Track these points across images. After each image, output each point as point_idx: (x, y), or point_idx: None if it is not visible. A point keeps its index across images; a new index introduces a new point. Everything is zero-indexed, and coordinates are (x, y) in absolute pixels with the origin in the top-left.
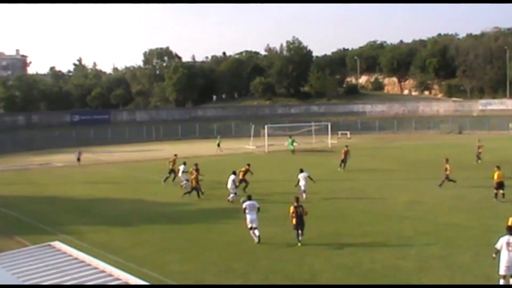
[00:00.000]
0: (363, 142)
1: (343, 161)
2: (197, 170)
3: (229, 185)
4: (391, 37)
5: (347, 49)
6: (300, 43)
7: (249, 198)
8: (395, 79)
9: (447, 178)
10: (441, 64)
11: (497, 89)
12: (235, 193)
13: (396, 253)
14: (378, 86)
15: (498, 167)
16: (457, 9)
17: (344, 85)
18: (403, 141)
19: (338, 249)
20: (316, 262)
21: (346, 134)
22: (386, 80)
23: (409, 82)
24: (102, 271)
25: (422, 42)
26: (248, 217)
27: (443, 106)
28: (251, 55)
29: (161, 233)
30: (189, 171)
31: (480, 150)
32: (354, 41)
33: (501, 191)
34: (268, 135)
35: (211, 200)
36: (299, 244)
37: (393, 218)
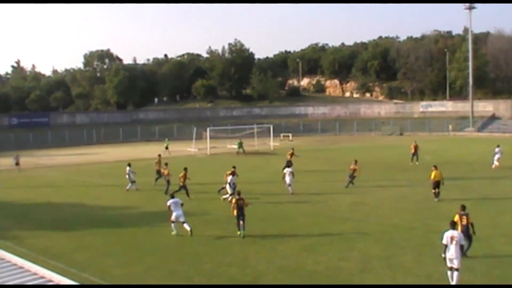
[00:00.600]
0: (306, 144)
1: (290, 162)
2: (185, 169)
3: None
4: (333, 40)
5: (289, 52)
6: (242, 45)
7: (172, 196)
8: (336, 82)
9: (352, 178)
10: (382, 67)
11: (437, 91)
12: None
13: (339, 254)
14: (320, 89)
15: (435, 167)
16: (398, 12)
17: (286, 88)
18: (345, 143)
19: (281, 251)
20: (259, 264)
21: (289, 136)
22: (328, 83)
23: (351, 84)
24: (42, 277)
25: (363, 45)
26: (174, 213)
27: (385, 108)
28: (193, 58)
29: (103, 237)
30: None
31: (412, 151)
32: (296, 43)
33: (436, 190)
34: (210, 138)
35: (154, 203)
36: (238, 233)
37: (336, 220)
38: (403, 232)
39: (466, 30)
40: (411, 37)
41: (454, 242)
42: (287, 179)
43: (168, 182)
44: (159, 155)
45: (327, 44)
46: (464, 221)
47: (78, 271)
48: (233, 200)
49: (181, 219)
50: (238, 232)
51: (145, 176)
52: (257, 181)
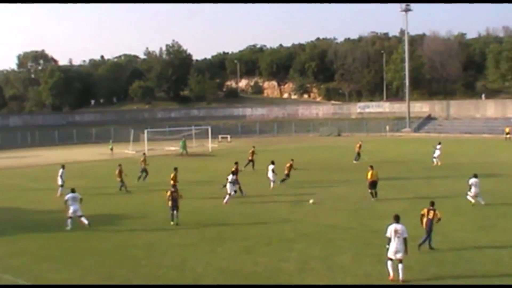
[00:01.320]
0: (244, 146)
1: (251, 161)
2: (175, 169)
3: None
4: (271, 41)
5: (227, 53)
6: (180, 46)
7: (73, 191)
8: (274, 83)
9: (287, 175)
10: (320, 68)
11: (374, 92)
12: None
13: (278, 255)
14: (258, 90)
15: (371, 167)
16: (335, 14)
17: (224, 89)
18: (283, 144)
19: (220, 253)
20: (198, 266)
21: (227, 138)
22: (266, 84)
23: (289, 86)
24: None
25: (301, 46)
26: (72, 208)
27: (322, 109)
28: (130, 59)
29: (38, 241)
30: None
31: (358, 150)
32: (234, 45)
33: (373, 190)
34: (148, 140)
35: (89, 206)
36: (171, 223)
37: (274, 221)
38: (342, 232)
39: (402, 32)
40: (349, 38)
41: (397, 235)
42: (270, 175)
43: (145, 171)
44: (144, 154)
45: (265, 46)
46: (431, 215)
47: (13, 277)
48: (168, 193)
49: (78, 213)
50: (172, 223)
51: (79, 179)
52: (195, 183)
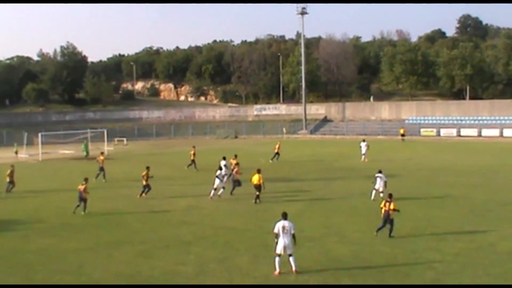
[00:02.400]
0: (141, 149)
1: (193, 161)
2: (147, 168)
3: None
4: (167, 43)
5: (123, 55)
6: (74, 48)
7: None
8: (171, 85)
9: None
10: (217, 70)
11: (271, 95)
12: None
13: (175, 258)
14: (155, 92)
15: (259, 171)
16: (232, 16)
17: (120, 91)
18: (180, 146)
19: (117, 258)
20: (95, 272)
21: (123, 141)
22: (162, 86)
23: (185, 88)
24: None
25: (198, 49)
26: None
27: (219, 112)
28: (23, 60)
29: None
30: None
31: (277, 150)
32: (130, 47)
33: (258, 193)
34: (42, 143)
35: None
36: (82, 212)
37: (171, 224)
38: (239, 234)
39: (298, 34)
40: (246, 41)
41: (285, 231)
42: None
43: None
44: (102, 153)
45: (161, 48)
46: (387, 207)
47: None
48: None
49: None
50: (83, 212)
51: None
52: (90, 187)
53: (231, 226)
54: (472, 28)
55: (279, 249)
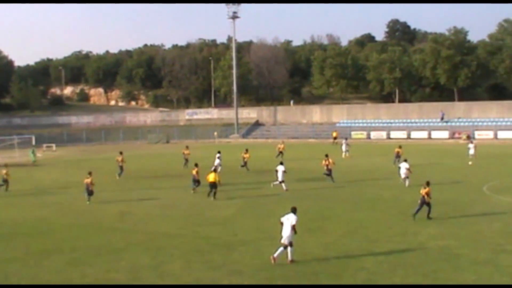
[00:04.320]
0: (70, 154)
1: (186, 161)
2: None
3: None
4: (97, 48)
5: (51, 59)
6: (0, 52)
7: None
8: (101, 90)
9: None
10: (147, 75)
11: (202, 99)
12: None
13: (108, 265)
14: (84, 97)
15: (215, 170)
16: (162, 20)
17: (49, 96)
18: (111, 152)
19: (46, 266)
20: (23, 281)
21: (52, 146)
22: (92, 91)
23: (116, 93)
24: None
25: (128, 53)
26: None
27: (151, 116)
28: None
29: None
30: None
31: (187, 157)
32: (59, 50)
33: (213, 190)
34: None
35: None
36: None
37: (103, 231)
38: (172, 239)
39: (230, 39)
40: (177, 45)
41: (287, 221)
42: None
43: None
44: (5, 165)
45: (91, 52)
46: (423, 192)
47: None
48: None
49: None
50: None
51: None
52: (18, 195)
53: (164, 231)
54: (400, 33)
55: (283, 239)
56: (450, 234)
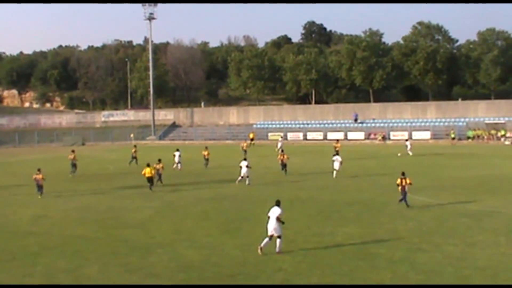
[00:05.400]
0: None
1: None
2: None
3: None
4: (10, 48)
5: None
6: None
7: None
8: (15, 92)
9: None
10: (62, 76)
11: (119, 101)
12: None
13: (22, 270)
14: None
15: (148, 165)
16: (78, 21)
17: None
18: (26, 155)
19: None
20: None
21: None
22: (6, 93)
23: (30, 95)
24: None
25: (43, 54)
26: None
27: (66, 118)
28: None
29: None
30: None
31: (135, 154)
32: None
33: (150, 184)
34: None
35: None
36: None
37: (17, 235)
38: (88, 243)
39: (146, 40)
40: (92, 46)
41: (273, 215)
42: None
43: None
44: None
45: (3, 53)
46: (403, 182)
47: None
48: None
49: None
50: None
51: None
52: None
53: (80, 234)
54: (316, 35)
55: (270, 232)
56: (366, 233)
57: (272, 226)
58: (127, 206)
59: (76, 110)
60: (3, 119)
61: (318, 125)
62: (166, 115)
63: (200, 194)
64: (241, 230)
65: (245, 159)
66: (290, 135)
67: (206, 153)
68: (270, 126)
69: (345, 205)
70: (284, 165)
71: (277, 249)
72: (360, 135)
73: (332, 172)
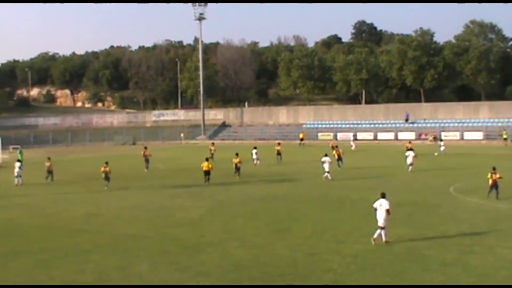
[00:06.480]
0: (37, 156)
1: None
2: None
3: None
4: (63, 49)
5: (18, 61)
6: None
7: None
8: (68, 91)
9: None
10: (114, 76)
11: (169, 100)
12: None
13: (75, 267)
14: (51, 99)
15: (207, 159)
16: (129, 22)
17: (15, 98)
18: (78, 153)
19: (14, 268)
20: None
21: (18, 148)
22: (59, 92)
23: (82, 94)
24: None
25: (95, 54)
26: None
27: (117, 118)
28: None
29: None
30: None
31: (147, 156)
32: (25, 52)
33: (207, 177)
34: None
35: None
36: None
37: (70, 232)
38: (139, 241)
39: (196, 40)
40: (143, 46)
41: (381, 207)
42: None
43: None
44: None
45: (57, 53)
46: (494, 177)
47: None
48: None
49: None
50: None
51: None
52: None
53: (131, 233)
54: (367, 34)
55: (381, 223)
56: (417, 234)
57: (382, 218)
58: (178, 205)
59: (127, 110)
60: (56, 119)
61: (368, 125)
62: (216, 115)
63: (251, 194)
64: (290, 230)
65: (326, 155)
66: (340, 135)
67: (279, 148)
68: (319, 126)
69: (396, 206)
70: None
71: (383, 239)
72: (411, 135)
73: (407, 167)
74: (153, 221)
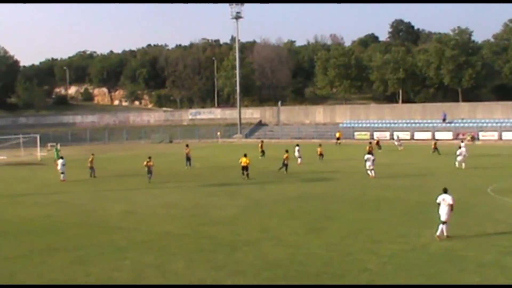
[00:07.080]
0: (75, 154)
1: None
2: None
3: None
4: (101, 47)
5: (56, 59)
6: (6, 52)
7: None
8: (105, 90)
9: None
10: (151, 75)
11: (206, 99)
12: None
13: (111, 264)
14: (88, 97)
15: (245, 155)
16: (166, 20)
17: (53, 96)
18: (115, 151)
19: (51, 265)
20: (28, 279)
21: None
22: (96, 91)
23: (120, 93)
24: None
25: (132, 53)
26: None
27: (154, 116)
28: None
29: None
30: None
31: (189, 153)
32: (63, 50)
33: (246, 172)
34: None
35: None
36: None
37: (106, 230)
38: (175, 239)
39: (233, 39)
40: (180, 45)
41: (444, 202)
42: None
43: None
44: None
45: (95, 52)
46: None
47: None
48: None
49: None
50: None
51: None
52: (23, 193)
53: (167, 231)
54: (404, 33)
55: (443, 217)
56: (454, 235)
57: (444, 212)
58: (214, 203)
59: (164, 108)
60: (94, 117)
61: (405, 125)
62: (252, 114)
63: (287, 193)
64: (326, 230)
65: (370, 153)
66: (376, 135)
67: (320, 149)
68: (356, 125)
69: (432, 206)
70: (370, 152)
71: (445, 233)
72: (448, 135)
73: (455, 163)
74: (188, 219)
